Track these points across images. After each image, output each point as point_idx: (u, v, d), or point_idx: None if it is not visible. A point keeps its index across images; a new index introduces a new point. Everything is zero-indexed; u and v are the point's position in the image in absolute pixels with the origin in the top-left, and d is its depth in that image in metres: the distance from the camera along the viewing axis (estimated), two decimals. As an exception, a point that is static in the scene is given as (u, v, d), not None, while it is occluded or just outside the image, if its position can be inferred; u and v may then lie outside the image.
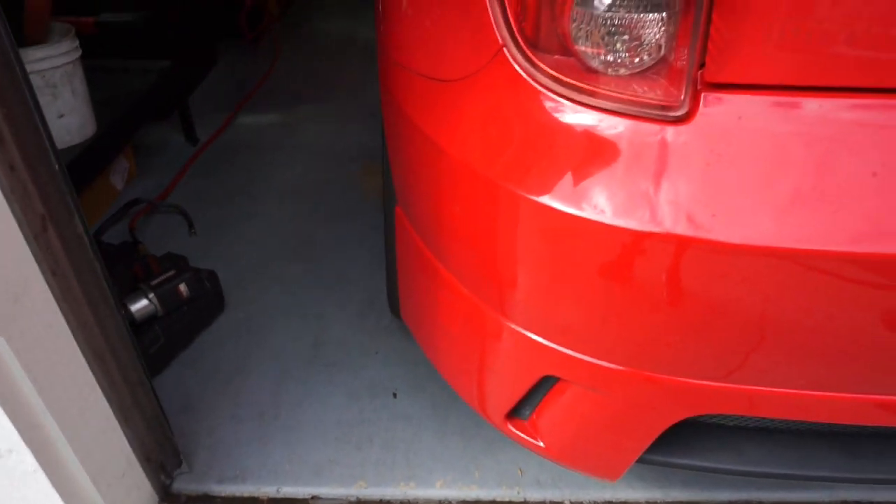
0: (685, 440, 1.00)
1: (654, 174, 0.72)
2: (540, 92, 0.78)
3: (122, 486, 1.17)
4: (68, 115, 1.81)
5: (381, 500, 1.32)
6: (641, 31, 0.70)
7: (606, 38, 0.72)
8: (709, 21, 0.67)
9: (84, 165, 1.85)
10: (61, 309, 0.98)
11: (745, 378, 0.84)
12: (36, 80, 1.68)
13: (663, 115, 0.72)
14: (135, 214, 2.07)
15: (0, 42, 0.83)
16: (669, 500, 1.30)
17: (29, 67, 0.91)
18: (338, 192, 2.25)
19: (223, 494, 1.33)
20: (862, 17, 0.65)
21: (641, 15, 0.69)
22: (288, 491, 1.33)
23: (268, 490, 1.33)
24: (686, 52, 0.70)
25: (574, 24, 0.72)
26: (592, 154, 0.76)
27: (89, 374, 1.06)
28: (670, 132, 0.72)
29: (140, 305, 1.54)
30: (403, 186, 1.11)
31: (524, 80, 0.78)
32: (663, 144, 0.72)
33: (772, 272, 0.71)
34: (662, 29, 0.70)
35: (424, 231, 1.05)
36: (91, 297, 1.04)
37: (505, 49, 0.79)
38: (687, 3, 0.68)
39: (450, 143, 0.88)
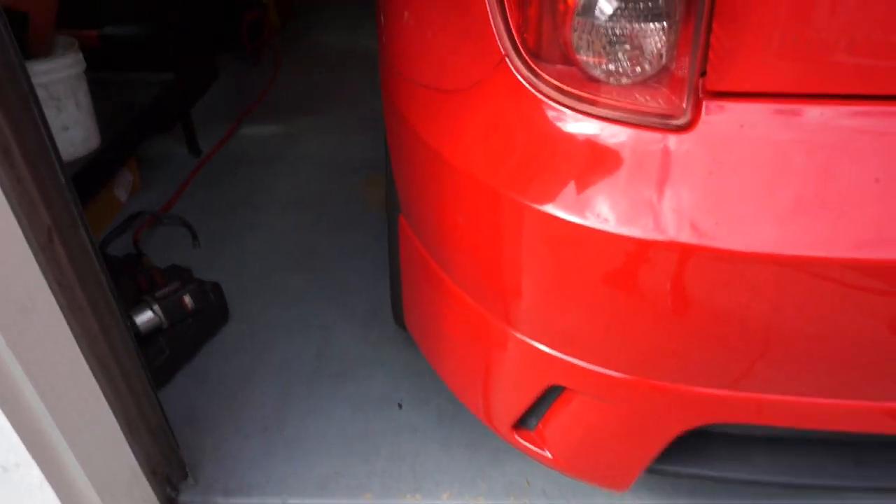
0: (694, 450, 0.99)
1: (657, 182, 0.73)
2: (542, 101, 0.78)
3: (127, 499, 1.16)
4: (73, 128, 1.82)
5: (386, 512, 1.32)
6: (643, 41, 0.71)
7: (608, 47, 0.72)
8: (709, 30, 0.68)
9: (88, 178, 1.86)
10: (67, 320, 0.98)
11: (751, 386, 0.83)
12: (40, 94, 1.68)
13: (665, 124, 0.73)
14: (139, 226, 2.08)
15: (7, 56, 0.84)
16: (677, 509, 1.29)
17: (34, 81, 0.91)
18: (340, 202, 2.25)
19: (228, 507, 1.32)
20: (861, 25, 0.66)
21: (642, 25, 0.70)
22: (294, 503, 1.33)
23: (273, 502, 1.32)
24: (687, 60, 0.70)
25: (575, 34, 0.73)
26: (595, 163, 0.76)
27: (95, 385, 1.06)
28: (673, 140, 0.72)
29: (145, 318, 1.54)
30: (407, 196, 1.11)
31: (526, 89, 0.79)
32: (666, 153, 0.73)
33: (776, 279, 0.71)
34: (663, 38, 0.70)
35: (428, 241, 1.06)
36: (97, 309, 1.04)
37: (507, 59, 0.80)
38: (687, 13, 0.68)
39: (453, 153, 0.88)
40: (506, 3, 0.77)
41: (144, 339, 1.53)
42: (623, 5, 0.69)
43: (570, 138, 0.77)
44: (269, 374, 1.60)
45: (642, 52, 0.71)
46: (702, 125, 0.72)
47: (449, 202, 0.92)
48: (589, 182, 0.76)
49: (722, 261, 0.71)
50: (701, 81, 0.71)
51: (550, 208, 0.78)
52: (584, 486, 1.33)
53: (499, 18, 0.78)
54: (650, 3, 0.69)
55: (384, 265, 1.83)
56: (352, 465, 1.39)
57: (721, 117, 0.71)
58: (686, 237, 0.71)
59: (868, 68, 0.67)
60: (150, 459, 1.23)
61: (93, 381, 1.05)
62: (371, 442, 1.44)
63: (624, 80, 0.74)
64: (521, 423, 1.06)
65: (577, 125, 0.76)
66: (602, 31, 0.71)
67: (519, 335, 0.92)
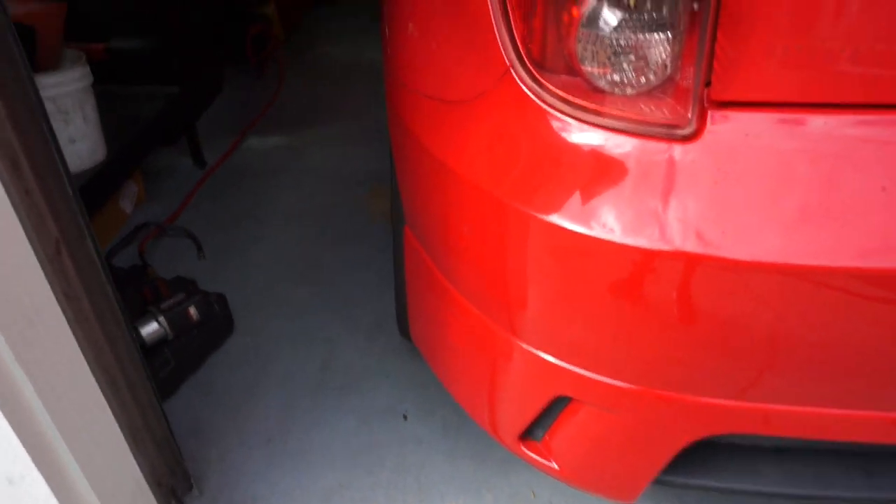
0: (701, 461, 0.98)
1: (663, 192, 0.73)
2: (547, 112, 0.78)
3: (131, 512, 1.16)
4: (79, 141, 1.83)
5: (391, 524, 1.31)
6: (647, 52, 0.71)
7: (612, 58, 0.73)
8: (714, 40, 0.68)
9: (94, 190, 1.87)
10: (74, 332, 0.98)
11: (758, 396, 0.83)
12: (48, 106, 1.69)
13: (671, 134, 0.73)
14: (144, 238, 2.09)
15: (17, 70, 0.85)
16: (684, 521, 1.28)
17: (42, 94, 0.92)
18: (345, 215, 2.26)
19: (233, 519, 1.32)
20: (865, 34, 0.66)
21: (647, 35, 0.70)
22: (298, 515, 1.32)
23: (277, 514, 1.32)
24: (692, 71, 0.70)
25: (580, 45, 0.73)
26: (601, 172, 0.76)
27: (101, 397, 1.06)
28: (678, 150, 0.73)
29: (150, 329, 1.55)
30: (412, 207, 1.12)
31: (531, 100, 0.79)
32: (672, 162, 0.73)
33: (783, 289, 0.71)
34: (668, 49, 0.71)
35: (434, 251, 1.06)
36: (103, 320, 1.04)
37: (512, 70, 0.80)
38: (692, 23, 0.69)
39: (458, 164, 0.88)
40: (511, 14, 0.78)
41: (150, 350, 1.54)
42: (628, 16, 0.70)
43: (575, 148, 0.77)
44: (273, 386, 1.60)
45: (647, 63, 0.72)
46: (707, 135, 0.72)
47: (454, 213, 0.92)
48: (594, 192, 0.76)
49: (728, 270, 0.71)
50: (706, 91, 0.71)
51: (556, 218, 0.78)
52: (591, 497, 1.32)
53: (503, 30, 0.79)
54: (654, 15, 0.69)
55: (389, 277, 1.83)
56: (356, 477, 1.38)
57: (726, 127, 0.72)
58: (692, 247, 0.71)
59: (873, 77, 0.68)
60: (155, 471, 1.23)
61: (98, 392, 1.05)
62: (376, 454, 1.43)
63: (629, 91, 0.74)
64: (527, 435, 1.06)
65: (583, 135, 0.77)
66: (607, 42, 0.72)
67: (525, 346, 0.92)
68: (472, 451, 1.43)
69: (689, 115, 0.72)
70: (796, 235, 0.69)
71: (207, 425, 1.50)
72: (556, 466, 1.03)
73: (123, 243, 2.06)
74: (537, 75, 0.78)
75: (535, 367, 0.93)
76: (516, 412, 1.02)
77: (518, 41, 0.78)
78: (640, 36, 0.70)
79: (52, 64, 1.78)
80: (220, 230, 2.17)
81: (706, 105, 0.72)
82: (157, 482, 1.23)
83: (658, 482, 0.99)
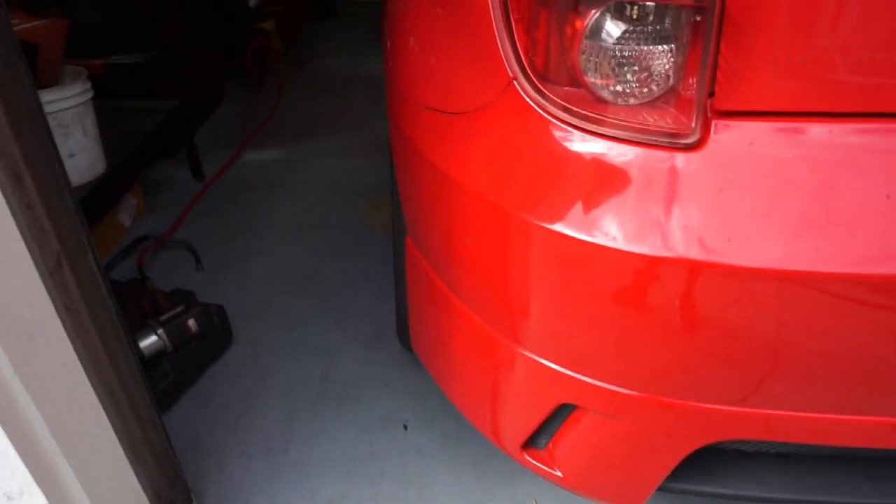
0: (706, 467, 0.98)
1: (668, 200, 0.73)
2: (551, 122, 0.79)
3: (132, 526, 1.15)
4: (79, 155, 1.83)
5: (394, 537, 1.30)
6: (650, 63, 0.72)
7: (616, 69, 0.73)
8: (717, 51, 0.69)
9: (94, 203, 1.87)
10: (74, 346, 0.98)
11: (762, 402, 0.83)
12: (49, 121, 1.71)
13: (674, 143, 0.73)
14: (143, 251, 2.08)
15: (22, 87, 0.85)
16: (688, 531, 1.28)
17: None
18: (344, 227, 2.26)
19: (233, 533, 1.31)
20: (866, 44, 0.67)
21: (650, 47, 0.71)
22: (299, 528, 1.31)
23: (279, 528, 1.31)
24: (695, 81, 0.71)
25: (583, 57, 0.74)
26: (606, 181, 0.77)
27: (101, 411, 1.05)
28: (682, 159, 0.73)
29: (149, 341, 1.54)
30: (414, 218, 1.12)
31: (535, 111, 0.80)
32: (676, 171, 0.73)
33: (790, 296, 0.71)
34: (671, 60, 0.72)
35: (436, 261, 1.06)
36: (104, 334, 1.04)
37: (515, 82, 0.81)
38: (694, 34, 0.70)
39: (462, 175, 0.89)
40: (514, 27, 0.78)
41: (148, 362, 1.53)
42: (631, 28, 0.71)
43: (579, 158, 0.78)
44: (272, 397, 1.60)
45: (650, 74, 0.73)
46: (711, 144, 0.72)
47: (458, 223, 0.93)
48: (599, 201, 0.76)
49: (734, 278, 0.71)
50: (709, 101, 0.72)
51: (561, 227, 0.78)
52: (594, 507, 1.31)
53: (507, 42, 0.80)
54: (658, 26, 0.70)
55: (388, 288, 1.83)
56: (357, 487, 1.37)
57: (730, 136, 0.72)
58: (698, 254, 0.72)
59: (875, 86, 0.68)
60: (155, 484, 1.22)
61: (98, 406, 1.05)
62: (376, 464, 1.42)
63: (632, 101, 0.75)
64: (530, 443, 1.05)
65: (586, 145, 0.77)
66: (610, 53, 0.72)
67: (529, 354, 0.92)
68: (473, 460, 1.42)
69: (693, 125, 0.72)
70: (802, 242, 0.70)
71: (207, 437, 1.49)
72: (560, 474, 1.03)
73: (122, 256, 2.05)
74: (541, 87, 0.78)
75: (539, 375, 0.93)
76: (520, 420, 1.02)
77: (521, 53, 0.79)
78: (643, 47, 0.71)
79: (52, 79, 1.79)
80: (218, 242, 2.17)
81: (710, 115, 0.72)
82: (156, 495, 1.22)
83: (662, 489, 0.98)
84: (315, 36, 4.29)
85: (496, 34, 0.80)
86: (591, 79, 0.75)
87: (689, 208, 0.73)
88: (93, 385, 1.03)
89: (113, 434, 1.09)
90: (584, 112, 0.76)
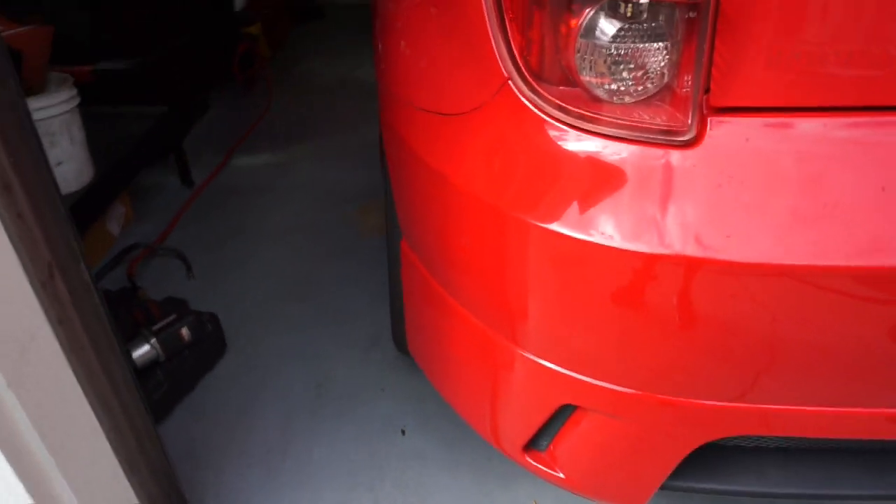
0: (707, 464, 0.98)
1: (665, 198, 0.73)
2: (546, 122, 0.79)
3: (129, 539, 1.13)
4: (66, 163, 1.81)
5: (395, 542, 1.29)
6: (645, 61, 0.72)
7: (611, 67, 0.73)
8: (712, 47, 0.69)
9: (82, 212, 1.85)
10: (68, 358, 0.96)
11: (763, 397, 0.83)
12: (34, 130, 1.69)
13: (671, 140, 0.74)
14: (133, 260, 2.06)
15: (10, 94, 0.84)
16: (689, 527, 1.28)
17: (27, 117, 0.91)
18: (335, 230, 2.25)
19: (232, 543, 1.29)
20: (861, 38, 0.67)
21: (645, 45, 0.71)
22: (299, 536, 1.30)
23: (278, 536, 1.30)
24: (690, 78, 0.71)
25: (578, 56, 0.74)
26: (602, 180, 0.77)
27: (96, 423, 1.04)
28: (679, 156, 0.73)
29: (142, 351, 1.52)
30: (409, 220, 1.11)
31: (531, 111, 0.79)
32: (673, 168, 0.73)
33: (789, 290, 0.71)
34: (666, 57, 0.72)
35: (432, 264, 1.05)
36: (97, 345, 1.03)
37: (510, 82, 0.80)
38: (689, 32, 0.70)
39: (457, 176, 0.88)
40: (508, 26, 0.78)
41: (142, 372, 1.51)
42: (625, 26, 0.71)
43: (575, 157, 0.78)
44: (268, 405, 1.58)
45: (646, 72, 0.73)
46: (707, 140, 0.73)
47: (454, 224, 0.92)
48: (596, 200, 0.76)
49: (733, 273, 0.72)
50: (705, 98, 0.72)
51: (558, 226, 0.78)
52: (595, 507, 1.31)
53: (501, 42, 0.79)
54: (652, 24, 0.70)
55: (382, 292, 1.82)
56: (357, 494, 1.36)
57: (727, 132, 0.72)
58: (697, 251, 0.72)
59: (870, 80, 0.69)
60: (151, 496, 1.20)
61: (93, 418, 1.03)
62: (376, 469, 1.41)
63: (627, 99, 0.75)
64: (531, 444, 1.05)
65: (583, 144, 0.77)
66: (605, 51, 0.72)
67: (528, 354, 0.92)
68: (472, 463, 1.42)
69: (689, 122, 0.72)
70: (801, 237, 0.70)
71: (202, 447, 1.48)
72: (562, 476, 1.02)
73: (112, 265, 2.03)
74: (536, 86, 0.78)
75: (539, 375, 0.92)
76: (521, 422, 1.01)
77: (516, 53, 0.78)
78: (638, 45, 0.71)
79: (37, 87, 1.77)
80: (209, 249, 2.15)
81: (706, 111, 0.72)
82: (154, 507, 1.21)
83: (664, 487, 0.98)
84: (301, 39, 4.27)
85: (490, 34, 0.80)
86: (587, 77, 0.75)
87: (687, 205, 0.73)
88: (87, 397, 1.01)
89: (108, 445, 1.07)
90: (579, 111, 0.76)
